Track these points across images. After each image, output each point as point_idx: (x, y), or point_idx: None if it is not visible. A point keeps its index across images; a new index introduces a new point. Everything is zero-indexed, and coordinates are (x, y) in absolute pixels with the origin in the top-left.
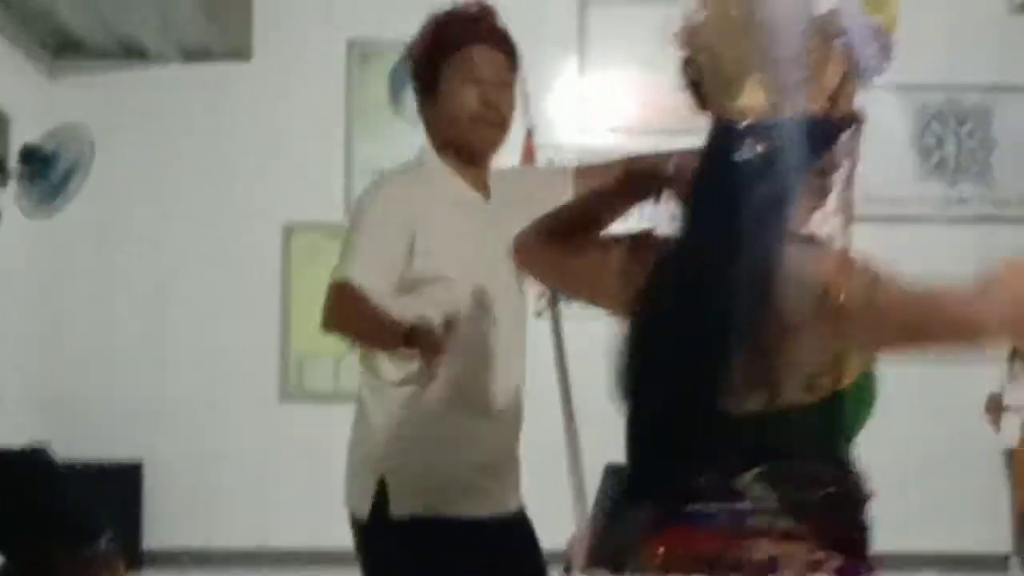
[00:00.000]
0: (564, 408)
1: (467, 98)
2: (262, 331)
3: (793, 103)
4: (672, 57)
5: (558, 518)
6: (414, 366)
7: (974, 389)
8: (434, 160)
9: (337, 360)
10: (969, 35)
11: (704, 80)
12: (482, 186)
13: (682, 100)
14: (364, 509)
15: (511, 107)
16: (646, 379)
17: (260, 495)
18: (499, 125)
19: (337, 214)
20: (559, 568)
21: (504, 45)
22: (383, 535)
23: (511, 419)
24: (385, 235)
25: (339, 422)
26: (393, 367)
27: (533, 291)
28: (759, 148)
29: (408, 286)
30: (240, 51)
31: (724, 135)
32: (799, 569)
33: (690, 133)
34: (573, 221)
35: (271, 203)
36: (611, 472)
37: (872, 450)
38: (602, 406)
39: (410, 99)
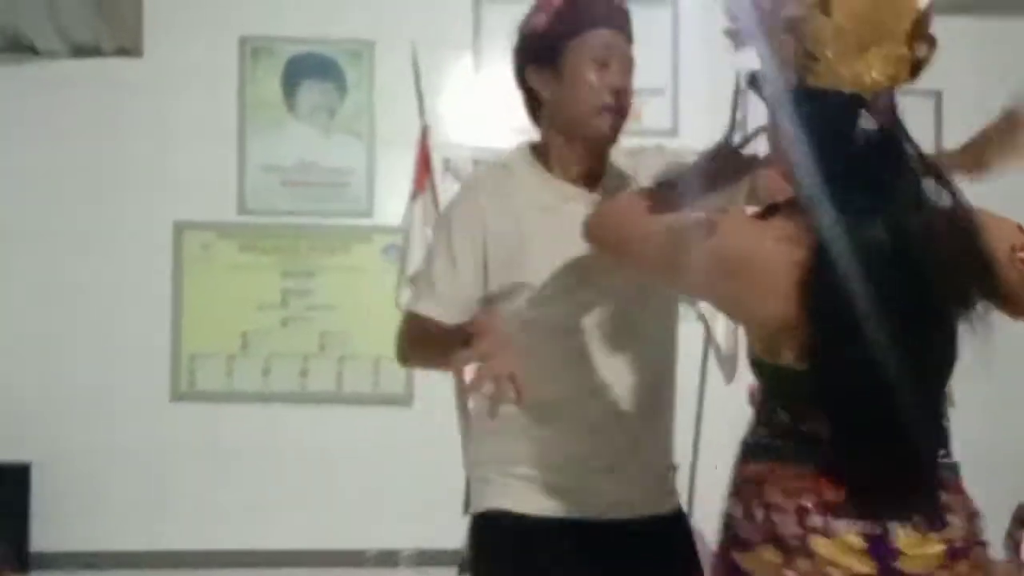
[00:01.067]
0: (461, 414)
1: (596, 85)
2: (153, 330)
3: (907, 78)
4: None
5: (455, 518)
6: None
7: None
8: (522, 163)
9: (229, 359)
10: None
11: (828, 45)
12: (592, 177)
13: None
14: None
15: (632, 94)
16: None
17: (151, 496)
18: (624, 114)
19: (230, 212)
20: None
21: (627, 28)
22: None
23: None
24: (461, 256)
25: (231, 421)
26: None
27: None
28: (881, 120)
29: (494, 301)
30: (131, 47)
31: (846, 106)
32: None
33: None
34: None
35: (162, 201)
36: None
37: None
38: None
39: (304, 96)
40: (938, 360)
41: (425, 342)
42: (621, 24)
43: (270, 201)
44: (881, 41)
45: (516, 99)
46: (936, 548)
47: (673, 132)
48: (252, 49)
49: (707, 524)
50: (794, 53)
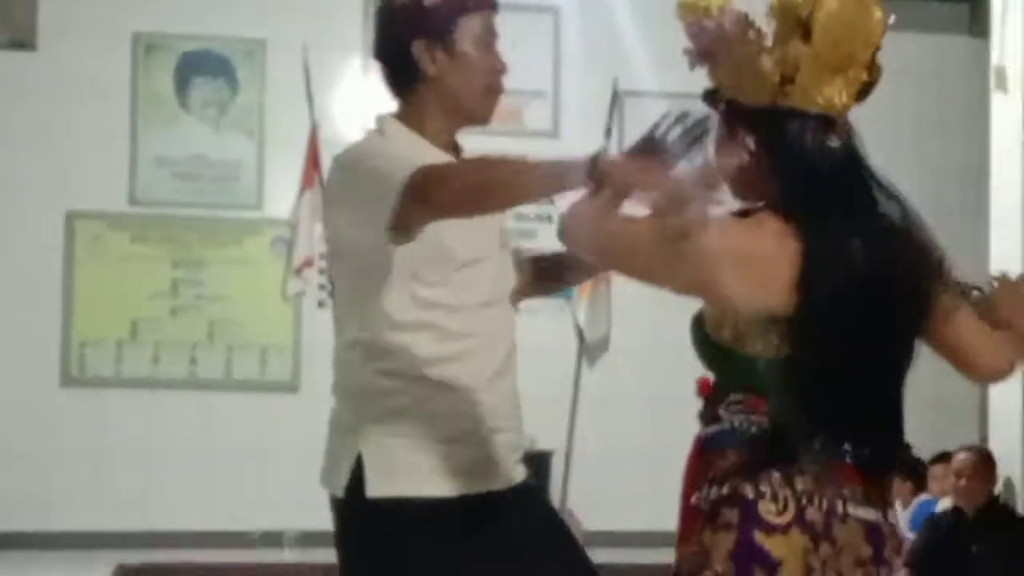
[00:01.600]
0: None
1: (488, 66)
2: (43, 317)
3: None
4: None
5: None
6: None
7: None
8: (399, 132)
9: (119, 346)
10: None
11: (804, 69)
12: (456, 152)
13: None
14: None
15: None
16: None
17: (41, 481)
18: (499, 96)
19: (121, 204)
20: None
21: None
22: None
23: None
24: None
25: (120, 407)
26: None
27: (313, 280)
28: (842, 139)
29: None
30: (24, 41)
31: (818, 125)
32: None
33: (474, 132)
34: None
35: (55, 191)
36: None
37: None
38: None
39: (196, 92)
40: (903, 356)
41: (514, 168)
42: (497, 7)
43: (161, 193)
44: (850, 67)
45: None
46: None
47: (554, 134)
48: (146, 45)
49: (578, 505)
50: (768, 75)
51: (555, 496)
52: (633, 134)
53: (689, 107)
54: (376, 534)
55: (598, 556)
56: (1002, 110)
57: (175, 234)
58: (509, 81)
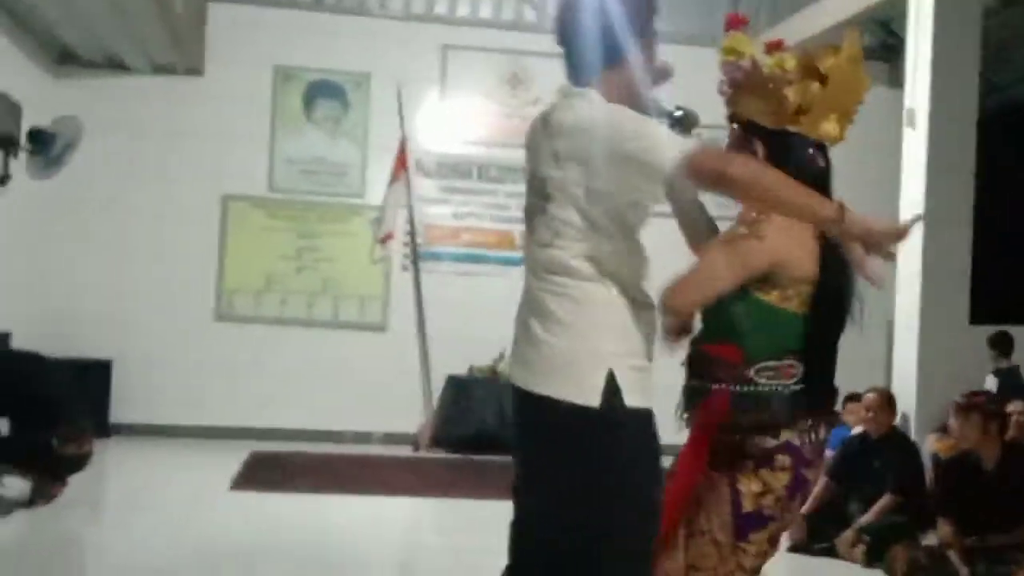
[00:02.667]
0: (419, 336)
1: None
2: (204, 270)
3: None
4: (509, 92)
5: (412, 412)
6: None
7: None
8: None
9: (257, 294)
10: None
11: (816, 105)
12: None
13: (514, 123)
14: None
15: None
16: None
17: (197, 389)
18: None
19: (262, 189)
20: (409, 446)
21: None
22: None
23: None
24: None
25: (256, 338)
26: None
27: (396, 250)
28: (826, 161)
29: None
30: (195, 68)
31: (817, 150)
32: None
33: (519, 147)
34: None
35: (214, 179)
36: (450, 381)
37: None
38: (447, 334)
39: (318, 110)
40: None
41: (783, 186)
42: None
43: (291, 183)
44: (848, 108)
45: (468, 121)
46: None
47: None
48: (283, 74)
49: None
50: (789, 104)
51: None
52: None
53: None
54: (626, 436)
55: None
56: (911, 143)
57: (299, 213)
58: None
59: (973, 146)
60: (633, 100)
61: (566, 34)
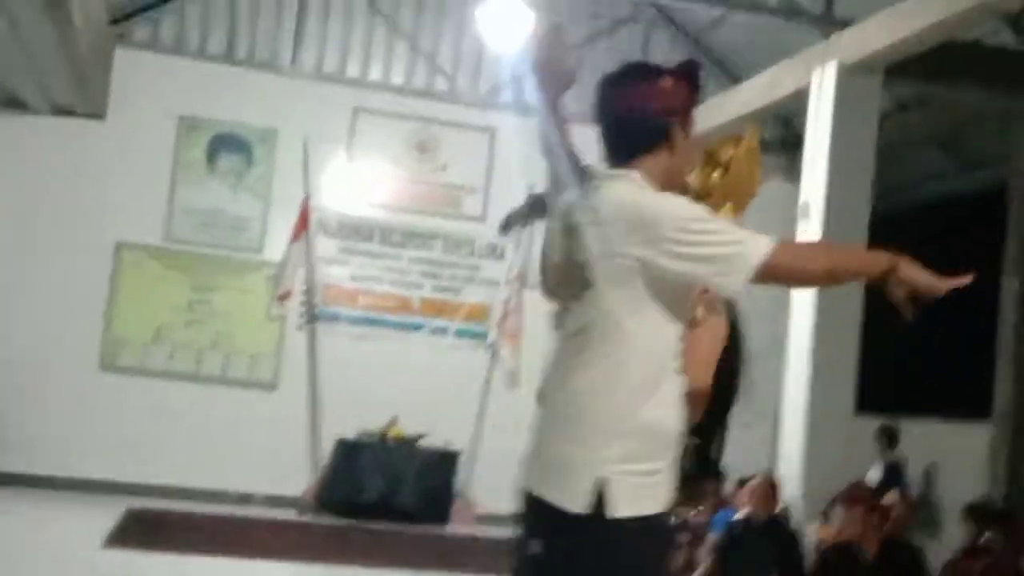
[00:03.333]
0: (311, 397)
1: (694, 153)
2: (91, 319)
3: None
4: (416, 158)
5: (298, 474)
6: None
7: None
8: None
9: (144, 345)
10: None
11: (714, 191)
12: None
13: (420, 189)
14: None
15: None
16: None
17: (76, 440)
18: None
19: (158, 238)
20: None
21: None
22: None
23: None
24: None
25: (142, 391)
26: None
27: (292, 308)
28: None
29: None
30: (97, 112)
31: None
32: None
33: (423, 213)
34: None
35: (110, 225)
36: (340, 444)
37: None
38: (339, 396)
39: (222, 162)
40: None
41: (846, 260)
42: None
43: (188, 234)
44: (743, 198)
45: (374, 184)
46: None
47: (482, 219)
48: (188, 125)
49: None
50: (685, 191)
51: (459, 483)
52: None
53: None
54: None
55: (491, 533)
56: (804, 235)
57: (195, 265)
58: (453, 177)
59: (864, 242)
60: (673, 186)
61: (606, 114)
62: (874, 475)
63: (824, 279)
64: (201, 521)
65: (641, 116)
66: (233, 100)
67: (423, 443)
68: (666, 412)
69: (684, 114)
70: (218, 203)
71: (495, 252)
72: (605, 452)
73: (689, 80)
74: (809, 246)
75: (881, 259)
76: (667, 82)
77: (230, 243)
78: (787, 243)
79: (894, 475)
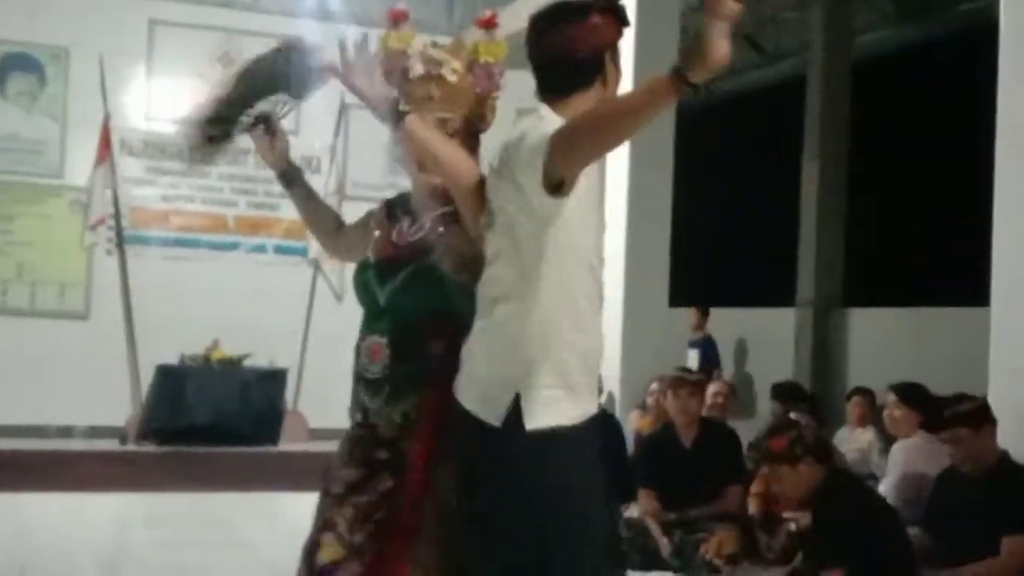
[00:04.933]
0: (126, 325)
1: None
2: None
3: None
4: (221, 72)
5: (119, 404)
6: None
7: None
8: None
9: None
10: None
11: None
12: None
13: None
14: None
15: None
16: None
17: None
18: None
19: None
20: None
21: None
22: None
23: None
24: None
25: None
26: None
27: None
28: None
29: None
30: None
31: None
32: None
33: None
34: None
35: None
36: (160, 370)
37: None
38: (156, 322)
39: (12, 84)
40: None
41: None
42: None
43: None
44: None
45: (175, 98)
46: None
47: (296, 132)
48: None
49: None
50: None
51: (289, 401)
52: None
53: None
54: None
55: (323, 448)
56: None
57: None
58: None
59: (671, 139)
60: None
61: (540, 55)
62: (692, 356)
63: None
64: (20, 457)
65: (574, 55)
66: (20, 19)
67: (248, 363)
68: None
69: (613, 48)
70: (11, 127)
71: (311, 165)
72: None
73: (615, 14)
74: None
75: (654, 84)
76: (596, 19)
77: (27, 168)
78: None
79: (709, 351)
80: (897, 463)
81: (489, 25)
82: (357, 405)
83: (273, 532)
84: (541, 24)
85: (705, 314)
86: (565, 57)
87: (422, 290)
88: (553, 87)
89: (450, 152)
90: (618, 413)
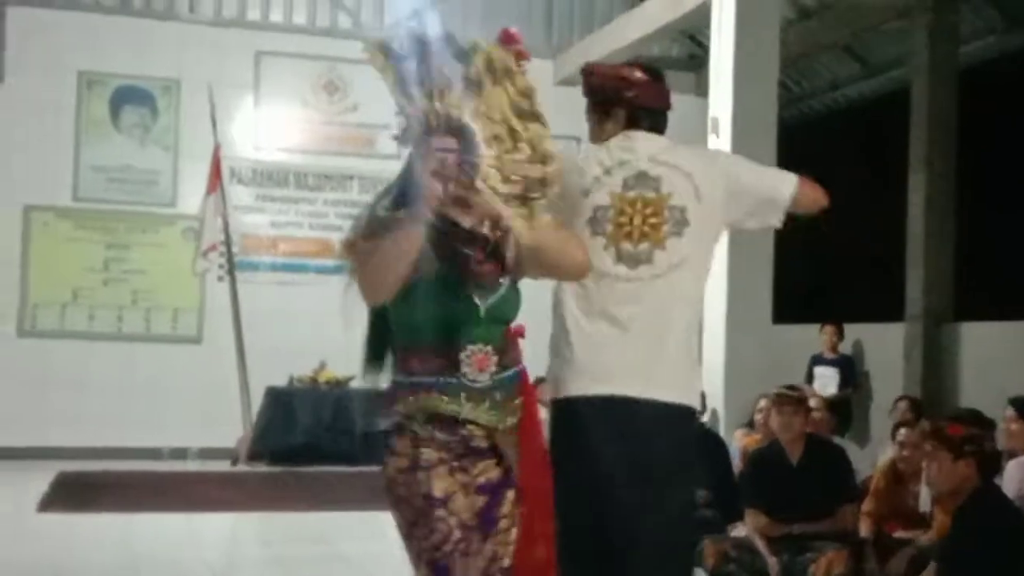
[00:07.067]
0: (237, 348)
1: None
2: (5, 285)
3: None
4: (326, 99)
5: (230, 425)
6: None
7: None
8: None
9: (63, 306)
10: None
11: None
12: None
13: (332, 130)
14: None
15: None
16: None
17: (1, 406)
18: None
19: (67, 199)
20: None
21: None
22: None
23: None
24: None
25: (63, 354)
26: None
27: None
28: None
29: None
30: None
31: None
32: None
33: (337, 155)
34: None
35: (17, 189)
36: (270, 392)
37: None
38: (265, 345)
39: (126, 117)
40: None
41: None
42: None
43: (97, 192)
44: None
45: (282, 128)
46: None
47: (399, 157)
48: (88, 80)
49: None
50: None
51: None
52: None
53: None
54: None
55: None
56: (714, 147)
57: (107, 223)
58: (364, 116)
59: (773, 153)
60: None
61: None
62: (829, 375)
63: None
64: (135, 479)
65: (666, 107)
66: (132, 52)
67: (354, 384)
68: None
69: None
70: (125, 158)
71: None
72: None
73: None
74: None
75: None
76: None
77: (141, 198)
78: None
79: (848, 370)
80: (1014, 478)
81: (510, 41)
82: (447, 414)
83: (380, 550)
84: (657, 77)
85: (841, 333)
86: (666, 108)
87: (513, 299)
88: (659, 127)
89: (558, 244)
90: (722, 431)
